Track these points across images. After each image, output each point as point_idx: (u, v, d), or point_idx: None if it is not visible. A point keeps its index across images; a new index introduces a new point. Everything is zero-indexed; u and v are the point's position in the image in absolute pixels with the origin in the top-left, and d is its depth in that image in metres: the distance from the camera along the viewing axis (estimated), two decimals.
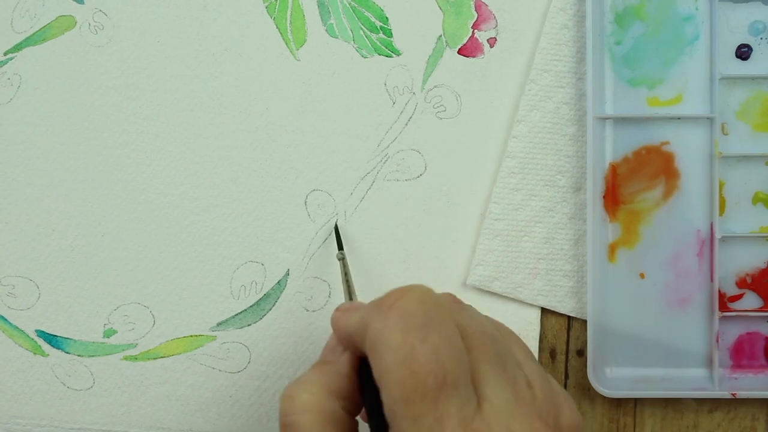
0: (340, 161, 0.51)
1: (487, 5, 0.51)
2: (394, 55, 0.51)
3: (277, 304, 0.50)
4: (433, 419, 0.32)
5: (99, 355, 0.50)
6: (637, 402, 0.51)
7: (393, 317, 0.34)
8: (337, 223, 0.50)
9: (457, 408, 0.33)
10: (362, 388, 0.38)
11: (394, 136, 0.51)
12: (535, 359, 0.38)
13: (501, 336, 0.37)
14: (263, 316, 0.50)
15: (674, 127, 0.50)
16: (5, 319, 0.50)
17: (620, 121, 0.50)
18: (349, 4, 0.51)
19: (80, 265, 0.50)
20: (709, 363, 0.50)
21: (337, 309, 0.41)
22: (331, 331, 0.40)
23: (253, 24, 0.51)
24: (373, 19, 0.51)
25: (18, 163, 0.50)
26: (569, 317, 0.51)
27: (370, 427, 0.36)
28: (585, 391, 0.51)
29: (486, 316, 0.38)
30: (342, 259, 0.48)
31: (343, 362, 0.38)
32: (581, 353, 0.51)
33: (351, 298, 0.45)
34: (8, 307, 0.50)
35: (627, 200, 0.50)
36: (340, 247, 0.49)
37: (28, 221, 0.50)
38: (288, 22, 0.51)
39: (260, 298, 0.50)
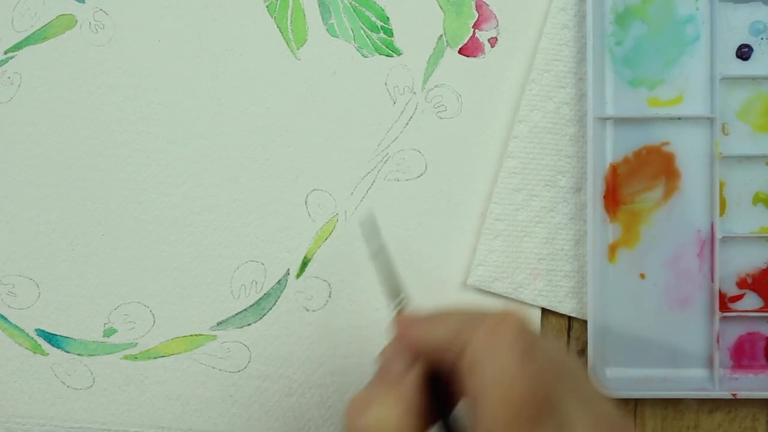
0: (340, 161, 0.51)
1: (488, 5, 0.51)
2: (394, 55, 0.51)
3: (277, 303, 0.50)
4: None
5: (99, 355, 0.50)
6: (637, 402, 0.51)
7: (498, 338, 0.34)
8: (370, 215, 0.48)
9: None
10: (437, 406, 0.37)
11: (394, 136, 0.51)
12: (601, 392, 0.38)
13: (575, 365, 0.38)
14: (263, 316, 0.50)
15: (675, 127, 0.50)
16: (5, 318, 0.50)
17: (621, 121, 0.50)
18: (350, 3, 0.51)
19: (80, 264, 0.50)
20: (710, 363, 0.50)
21: (400, 317, 0.39)
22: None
23: (253, 23, 0.51)
24: (373, 19, 0.51)
25: (18, 162, 0.50)
26: (569, 318, 0.51)
27: None
28: None
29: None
30: (377, 254, 0.43)
31: (415, 376, 0.37)
32: (582, 353, 0.51)
33: (399, 293, 0.41)
34: (8, 306, 0.50)
35: (627, 200, 0.50)
36: (375, 240, 0.44)
37: (28, 220, 0.50)
38: (289, 21, 0.51)
39: (260, 298, 0.50)
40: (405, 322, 0.39)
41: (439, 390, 0.37)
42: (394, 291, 0.41)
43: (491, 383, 0.33)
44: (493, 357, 0.34)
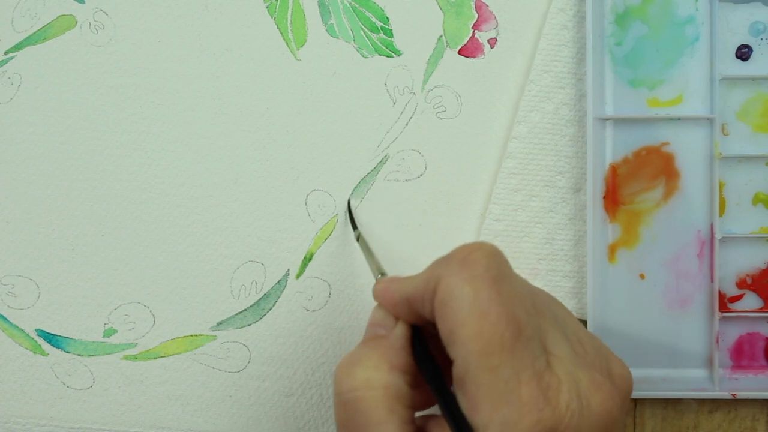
0: (340, 161, 0.51)
1: (487, 6, 0.51)
2: (394, 56, 0.51)
3: (277, 304, 0.50)
4: (511, 370, 0.32)
5: (99, 355, 0.50)
6: (637, 402, 0.51)
7: (466, 270, 0.34)
8: (350, 202, 0.50)
9: (531, 360, 0.33)
10: (419, 358, 0.37)
11: (394, 137, 0.51)
12: (575, 318, 0.38)
13: (546, 296, 0.38)
14: (263, 316, 0.50)
15: (674, 127, 0.50)
16: (5, 319, 0.50)
17: (620, 121, 0.50)
18: (350, 4, 0.51)
19: (80, 265, 0.50)
20: (709, 363, 0.50)
21: (379, 282, 0.40)
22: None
23: (253, 24, 0.51)
24: (373, 20, 0.51)
25: (18, 162, 0.50)
26: None
27: (435, 396, 0.36)
28: None
29: None
30: (359, 238, 0.48)
31: (398, 335, 0.37)
32: None
33: (382, 274, 0.44)
34: (8, 306, 0.50)
35: (627, 201, 0.50)
36: (354, 226, 0.49)
37: (28, 220, 0.50)
38: (289, 22, 0.51)
39: (260, 298, 0.50)
40: (383, 285, 0.39)
41: (428, 349, 0.37)
42: (376, 270, 0.44)
43: (465, 315, 0.33)
44: (463, 289, 0.33)
